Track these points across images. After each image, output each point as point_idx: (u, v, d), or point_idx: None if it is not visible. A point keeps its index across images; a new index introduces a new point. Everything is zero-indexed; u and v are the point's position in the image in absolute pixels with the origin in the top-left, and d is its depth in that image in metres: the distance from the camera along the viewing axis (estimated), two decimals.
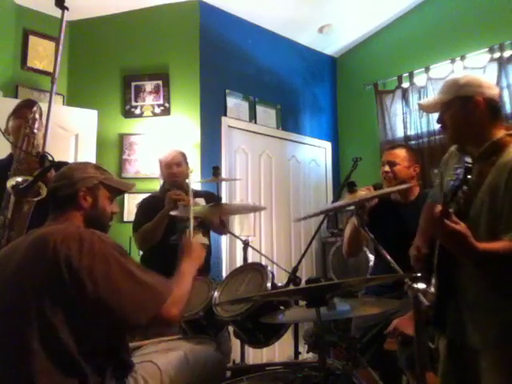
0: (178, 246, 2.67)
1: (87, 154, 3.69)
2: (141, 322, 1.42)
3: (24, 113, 2.38)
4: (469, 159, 1.43)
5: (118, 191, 1.72)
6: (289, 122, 4.66)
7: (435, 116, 1.83)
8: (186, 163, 3.06)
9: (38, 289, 1.35)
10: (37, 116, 2.31)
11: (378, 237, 2.63)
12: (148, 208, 3.00)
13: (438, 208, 1.42)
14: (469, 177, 1.42)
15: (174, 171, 2.96)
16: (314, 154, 4.89)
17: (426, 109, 1.90)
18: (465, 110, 1.67)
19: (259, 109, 4.39)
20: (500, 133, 1.66)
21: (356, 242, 2.50)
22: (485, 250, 1.44)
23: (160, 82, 3.98)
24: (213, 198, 3.02)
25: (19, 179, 2.02)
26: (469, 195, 1.56)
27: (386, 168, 2.60)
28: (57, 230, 1.44)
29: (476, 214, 1.58)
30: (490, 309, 1.56)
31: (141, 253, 3.07)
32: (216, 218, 2.84)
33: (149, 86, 3.99)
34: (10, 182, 2.02)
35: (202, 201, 2.96)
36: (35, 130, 2.28)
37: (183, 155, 3.07)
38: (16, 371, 1.35)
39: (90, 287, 1.34)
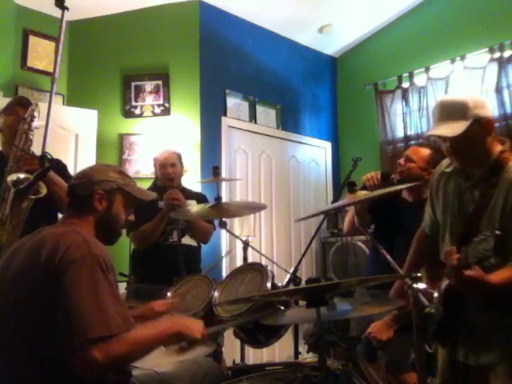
0: (177, 246, 2.72)
1: (87, 154, 3.69)
2: (68, 342, 1.26)
3: (16, 110, 2.35)
4: (498, 233, 1.32)
5: (135, 199, 1.65)
6: (289, 122, 4.65)
7: None
8: (181, 163, 3.07)
9: (27, 293, 1.34)
10: (35, 114, 2.28)
11: (379, 231, 2.64)
12: (142, 206, 2.99)
13: (454, 256, 1.40)
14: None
15: (169, 171, 2.96)
16: (314, 154, 4.88)
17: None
18: (475, 134, 1.62)
19: (259, 109, 4.39)
20: (495, 149, 1.64)
21: (355, 225, 2.55)
22: (501, 284, 1.43)
23: (160, 82, 3.98)
24: (204, 199, 3.04)
25: (21, 176, 2.01)
26: (475, 217, 1.56)
27: (401, 160, 2.55)
28: (54, 234, 1.42)
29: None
30: (501, 326, 1.56)
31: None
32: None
33: (149, 85, 3.99)
34: (11, 178, 2.01)
35: (193, 202, 2.97)
36: (33, 128, 2.26)
37: (178, 156, 3.07)
38: (10, 374, 1.34)
39: (57, 290, 1.30)
